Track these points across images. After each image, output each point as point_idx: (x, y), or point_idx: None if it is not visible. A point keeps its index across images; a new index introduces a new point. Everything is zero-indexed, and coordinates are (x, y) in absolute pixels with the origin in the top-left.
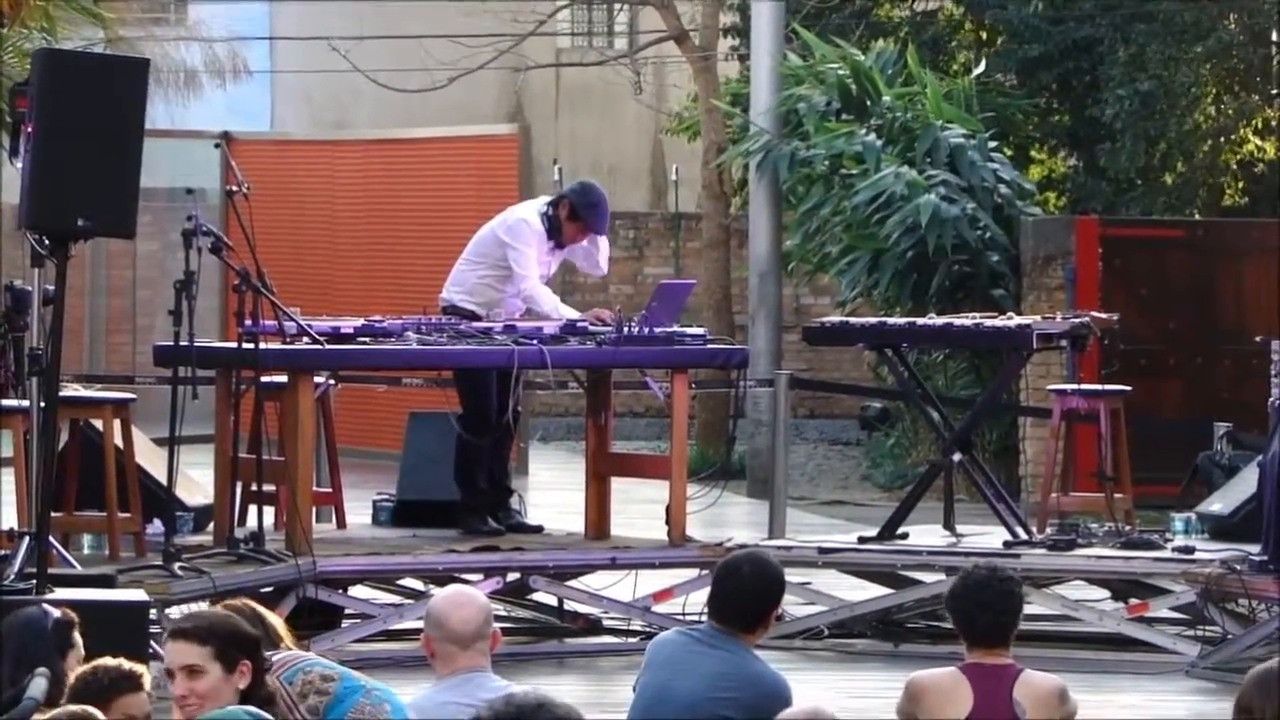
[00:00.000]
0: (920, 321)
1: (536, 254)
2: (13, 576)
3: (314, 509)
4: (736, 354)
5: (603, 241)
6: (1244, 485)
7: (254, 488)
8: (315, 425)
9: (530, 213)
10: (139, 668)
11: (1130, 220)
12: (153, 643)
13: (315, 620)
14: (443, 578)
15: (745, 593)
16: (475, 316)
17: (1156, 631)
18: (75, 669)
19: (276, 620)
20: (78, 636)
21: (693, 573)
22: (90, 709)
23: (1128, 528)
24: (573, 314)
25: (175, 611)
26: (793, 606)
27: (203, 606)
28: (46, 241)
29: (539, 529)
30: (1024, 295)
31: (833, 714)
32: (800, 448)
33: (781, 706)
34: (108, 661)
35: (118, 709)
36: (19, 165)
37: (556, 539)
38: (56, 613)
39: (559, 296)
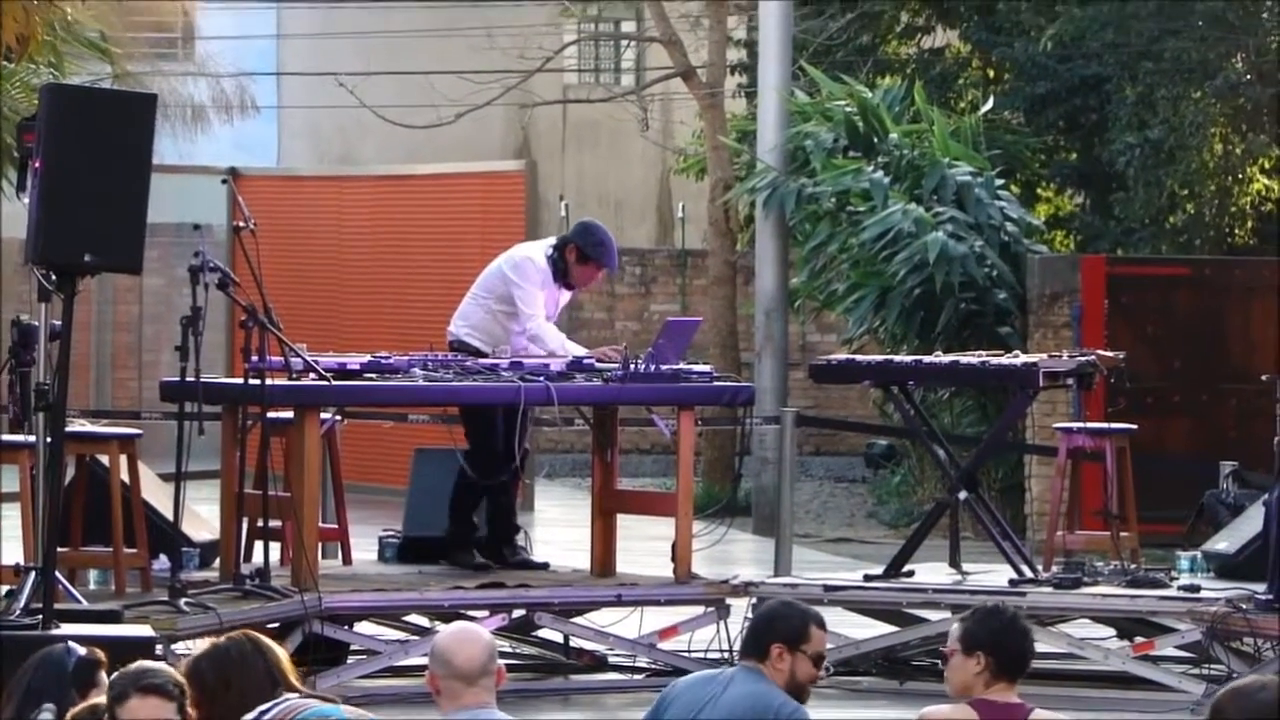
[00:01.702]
0: (926, 359)
1: (543, 293)
2: (19, 611)
3: (320, 545)
4: (743, 391)
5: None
6: (1250, 524)
7: (260, 523)
8: (321, 461)
9: (536, 252)
10: None
11: (1137, 259)
12: None
13: (320, 656)
14: (448, 614)
15: (753, 620)
16: (480, 353)
17: (1162, 670)
18: None
19: (280, 652)
20: (103, 676)
21: (698, 610)
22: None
23: (1133, 566)
24: (580, 350)
25: (180, 647)
26: None
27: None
28: (53, 276)
29: (544, 566)
30: (1030, 333)
31: None
32: (806, 485)
33: None
34: (101, 700)
35: None
36: (26, 200)
37: (562, 575)
38: (82, 651)
39: (565, 333)
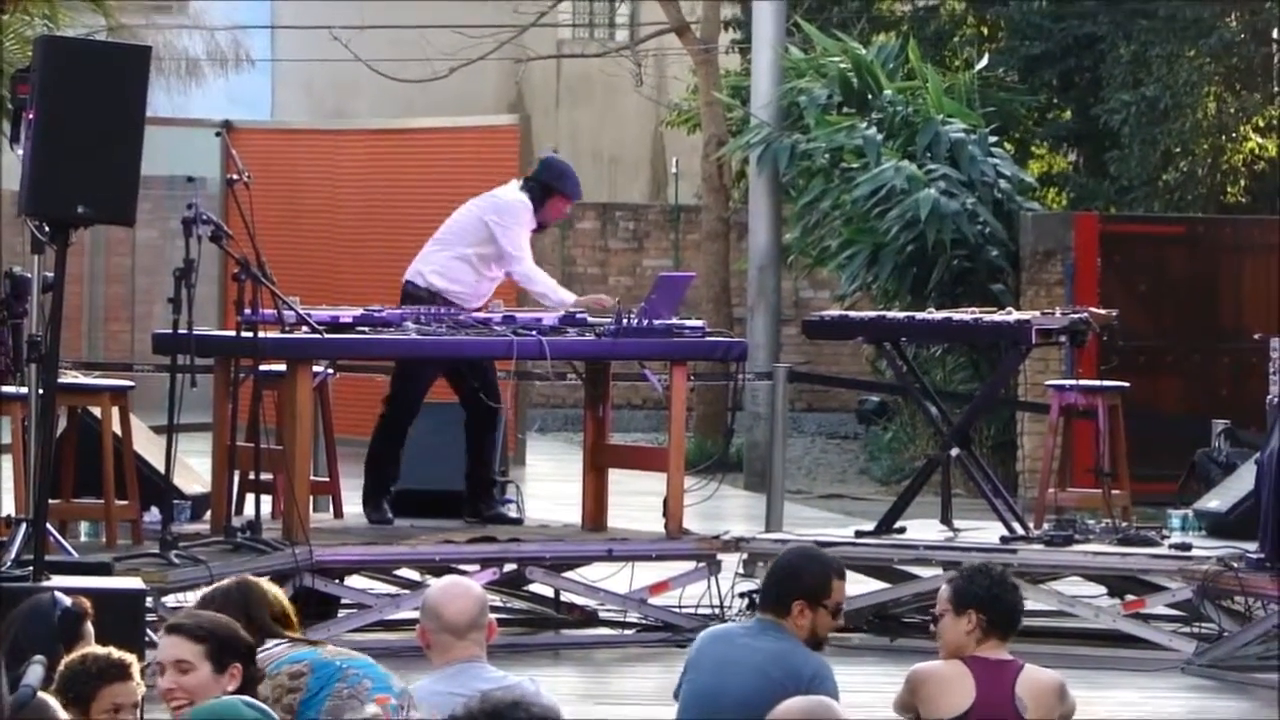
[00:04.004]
0: (919, 316)
1: (528, 234)
2: (10, 563)
3: (311, 498)
4: (735, 347)
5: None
6: (1241, 483)
7: (251, 476)
8: (313, 414)
9: (521, 195)
10: (128, 657)
11: (1130, 216)
12: (148, 631)
13: (311, 610)
14: (439, 568)
15: (773, 572)
16: (443, 299)
17: (1153, 628)
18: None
19: (275, 595)
20: (89, 627)
21: (689, 565)
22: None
23: (1125, 524)
24: (569, 297)
25: (170, 600)
26: None
27: (202, 591)
28: (46, 228)
29: (519, 521)
30: (1023, 290)
31: (840, 711)
32: (798, 441)
33: (827, 695)
34: (96, 650)
35: (105, 698)
36: (19, 152)
37: (553, 530)
38: (68, 601)
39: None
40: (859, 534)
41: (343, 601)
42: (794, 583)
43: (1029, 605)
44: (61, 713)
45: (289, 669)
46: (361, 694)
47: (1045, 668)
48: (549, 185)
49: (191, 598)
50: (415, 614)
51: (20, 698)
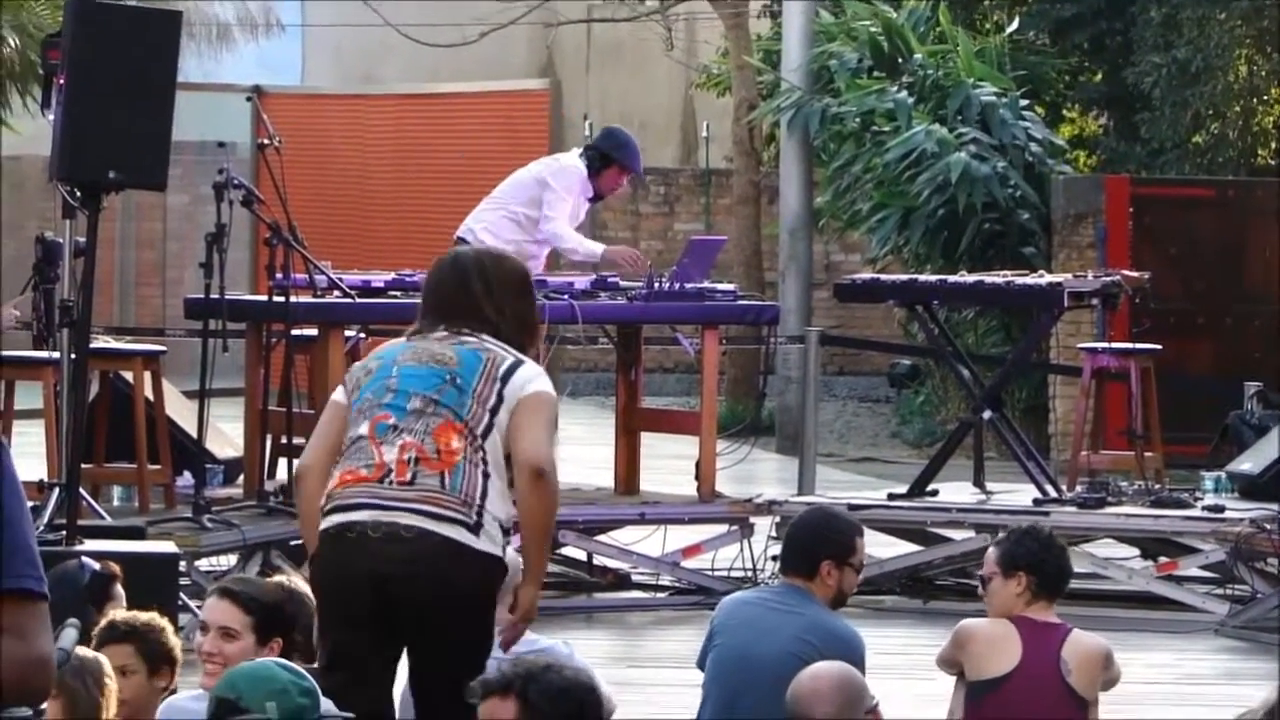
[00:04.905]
0: (951, 279)
1: (574, 204)
2: (43, 527)
3: None
4: (767, 310)
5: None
6: (1274, 445)
7: (284, 441)
8: None
9: (578, 162)
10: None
11: (1161, 179)
12: (182, 595)
13: None
14: None
15: (795, 535)
16: None
17: (1185, 590)
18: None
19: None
20: (119, 589)
21: (722, 528)
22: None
23: (1157, 486)
24: (597, 248)
25: (203, 564)
26: None
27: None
28: (78, 193)
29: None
30: (1055, 253)
31: (859, 678)
32: (830, 404)
33: (855, 661)
34: (121, 614)
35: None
36: (51, 117)
37: (586, 494)
38: (96, 565)
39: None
40: (891, 496)
41: None
42: (820, 544)
43: None
44: (110, 670)
45: None
46: None
47: (1092, 633)
48: (608, 155)
49: (224, 562)
50: None
51: (56, 661)
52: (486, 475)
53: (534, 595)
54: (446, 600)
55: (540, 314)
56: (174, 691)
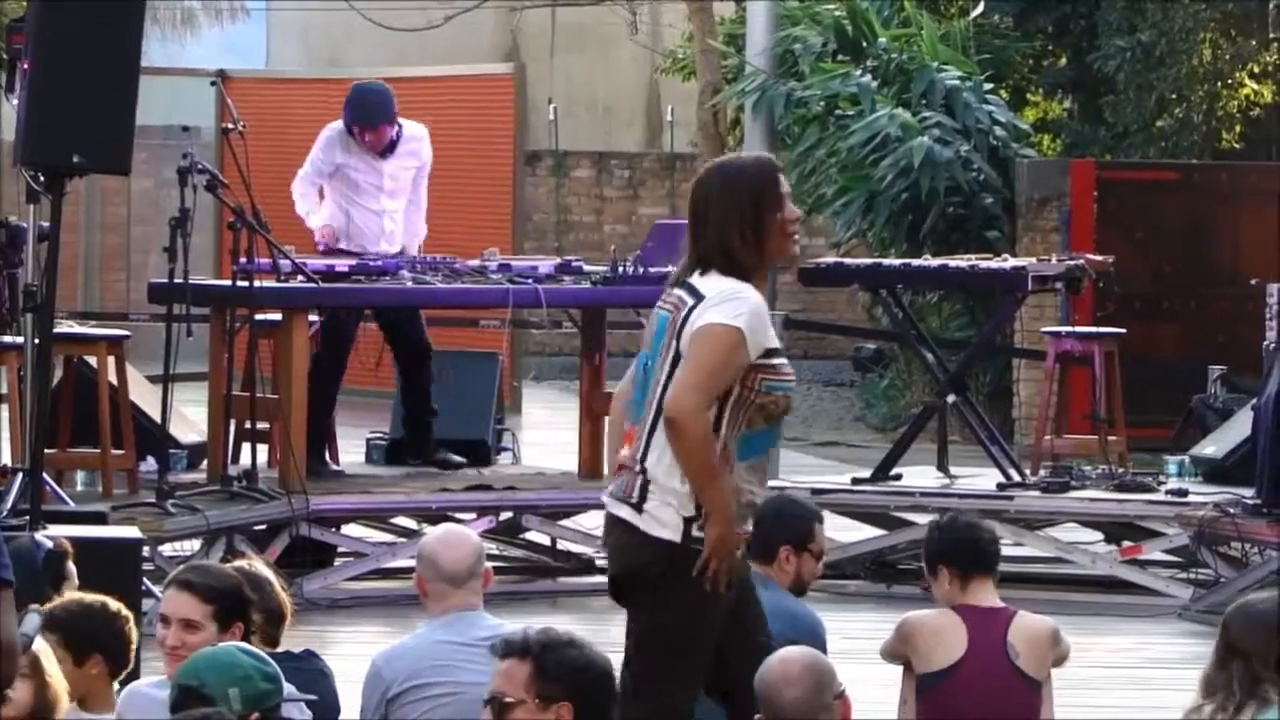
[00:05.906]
0: (915, 263)
1: (318, 159)
2: (6, 512)
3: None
4: None
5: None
6: (1238, 428)
7: (248, 425)
8: (309, 363)
9: (338, 123)
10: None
11: (1125, 163)
12: (145, 580)
13: (308, 559)
14: (435, 516)
15: (755, 520)
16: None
17: (1149, 574)
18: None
19: (283, 595)
20: (71, 567)
21: None
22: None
23: (1121, 470)
24: (316, 223)
25: (167, 549)
26: None
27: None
28: (42, 178)
29: (462, 464)
30: (1019, 237)
31: (828, 663)
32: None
33: (817, 644)
34: (75, 595)
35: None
36: (15, 101)
37: (550, 478)
38: (49, 544)
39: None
40: (855, 481)
41: (339, 550)
42: (777, 530)
43: (1026, 551)
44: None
45: None
46: None
47: (1038, 614)
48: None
49: (188, 547)
50: (412, 562)
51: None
52: None
53: (715, 533)
54: None
55: None
56: (136, 677)
